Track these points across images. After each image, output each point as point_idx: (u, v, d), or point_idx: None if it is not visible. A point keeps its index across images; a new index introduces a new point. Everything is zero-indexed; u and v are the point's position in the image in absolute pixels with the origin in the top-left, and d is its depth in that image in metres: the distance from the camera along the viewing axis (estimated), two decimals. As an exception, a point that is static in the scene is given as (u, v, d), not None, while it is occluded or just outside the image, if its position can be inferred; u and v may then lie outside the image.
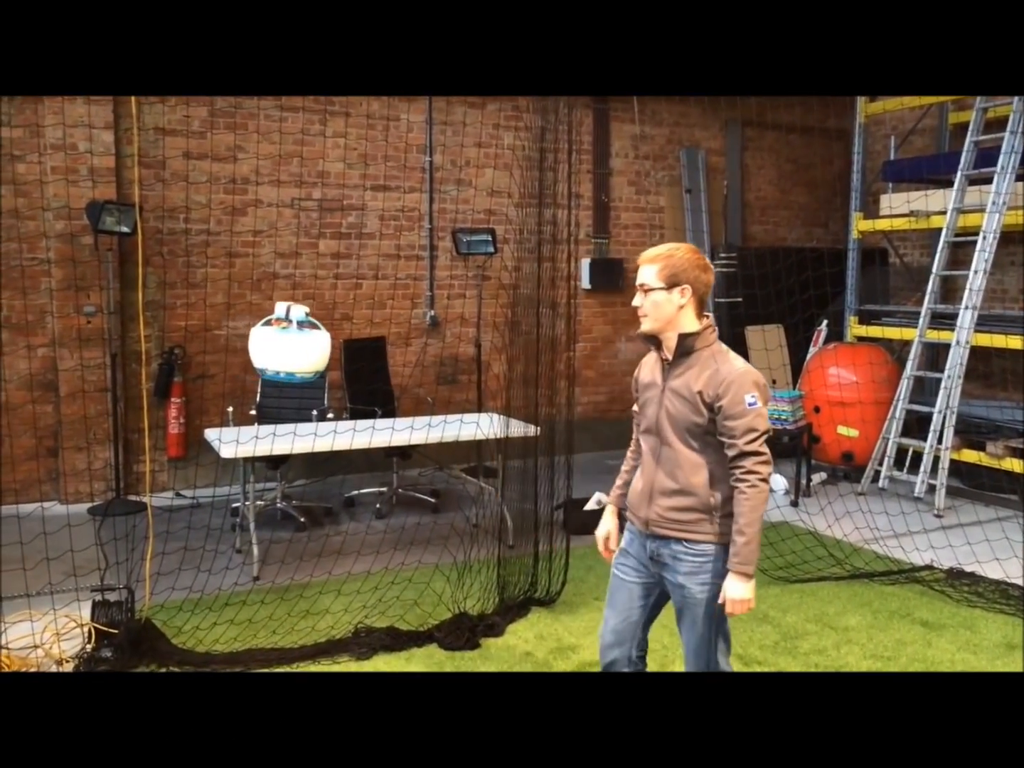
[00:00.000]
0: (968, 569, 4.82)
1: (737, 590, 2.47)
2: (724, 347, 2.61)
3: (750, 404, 2.48)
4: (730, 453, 2.49)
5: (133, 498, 6.13)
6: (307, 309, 2.70)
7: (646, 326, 2.60)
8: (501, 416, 4.72)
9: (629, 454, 2.87)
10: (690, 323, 2.57)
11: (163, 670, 3.64)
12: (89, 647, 3.73)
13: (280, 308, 2.67)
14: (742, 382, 2.49)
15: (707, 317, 2.62)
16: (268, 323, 2.67)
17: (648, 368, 2.70)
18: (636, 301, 2.60)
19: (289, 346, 2.63)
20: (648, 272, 2.57)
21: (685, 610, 2.60)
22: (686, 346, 2.56)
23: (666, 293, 2.54)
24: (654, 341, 2.64)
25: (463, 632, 3.98)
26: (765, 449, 2.49)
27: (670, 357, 2.60)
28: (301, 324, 2.65)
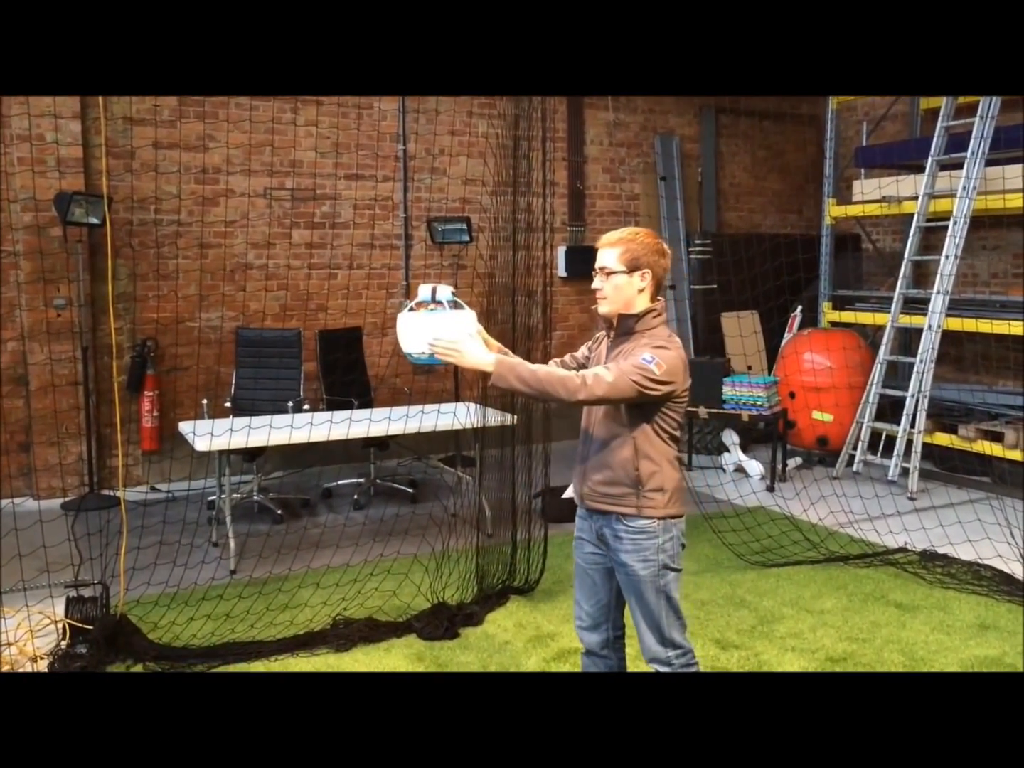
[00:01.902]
0: (941, 551, 4.87)
1: (472, 351, 2.49)
2: (667, 332, 2.59)
3: (644, 359, 2.45)
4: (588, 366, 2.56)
5: (107, 493, 6.07)
6: (452, 288, 2.63)
7: (604, 308, 2.62)
8: (478, 405, 4.71)
9: (568, 358, 2.83)
10: (644, 307, 2.60)
11: (139, 666, 3.61)
12: (64, 643, 3.70)
13: (424, 291, 2.60)
14: (654, 350, 2.48)
15: (658, 301, 2.63)
16: (412, 308, 2.60)
17: (599, 344, 2.74)
18: (596, 283, 2.62)
19: (442, 327, 2.57)
20: (609, 255, 2.58)
21: (630, 588, 2.62)
22: (626, 327, 2.59)
23: (627, 277, 2.56)
24: (610, 322, 2.67)
25: (442, 622, 3.98)
26: (610, 394, 2.43)
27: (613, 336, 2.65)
28: (449, 304, 2.59)
